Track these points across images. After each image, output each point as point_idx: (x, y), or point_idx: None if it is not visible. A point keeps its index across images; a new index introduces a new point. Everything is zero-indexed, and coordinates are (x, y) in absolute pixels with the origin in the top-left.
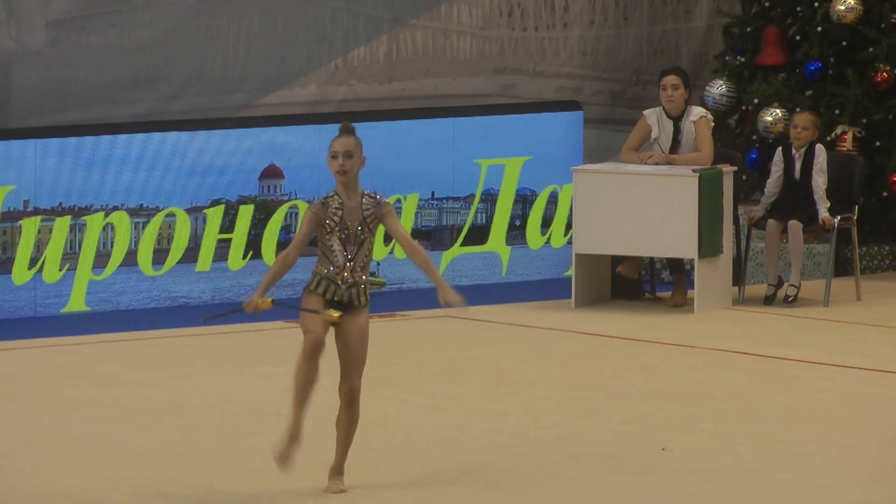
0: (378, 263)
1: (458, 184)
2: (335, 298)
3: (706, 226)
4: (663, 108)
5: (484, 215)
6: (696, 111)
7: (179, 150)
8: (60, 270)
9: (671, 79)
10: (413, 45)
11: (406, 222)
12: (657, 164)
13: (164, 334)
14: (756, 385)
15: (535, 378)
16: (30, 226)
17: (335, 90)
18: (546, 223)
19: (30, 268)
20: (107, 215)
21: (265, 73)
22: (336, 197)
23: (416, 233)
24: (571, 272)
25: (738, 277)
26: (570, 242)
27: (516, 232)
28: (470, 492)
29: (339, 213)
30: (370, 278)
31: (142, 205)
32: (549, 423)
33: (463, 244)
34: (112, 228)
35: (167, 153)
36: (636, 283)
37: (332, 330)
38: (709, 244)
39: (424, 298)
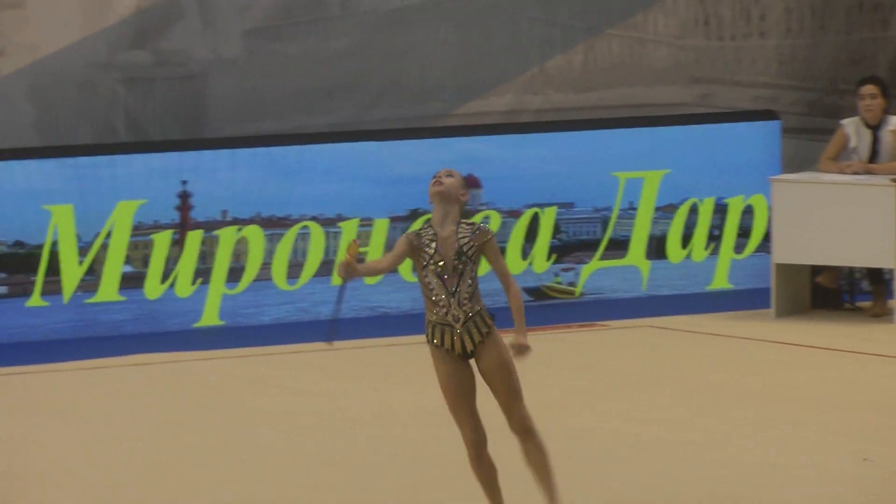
0: (557, 273)
1: (661, 193)
2: (454, 347)
3: None
4: (861, 118)
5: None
6: (895, 120)
7: (375, 159)
8: (254, 280)
9: (869, 88)
10: (609, 54)
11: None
12: (856, 173)
13: (364, 344)
14: None
15: (734, 388)
16: (227, 235)
17: (531, 99)
18: (744, 233)
19: (227, 280)
20: (301, 225)
21: (461, 83)
22: (429, 228)
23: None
24: (771, 282)
25: None
26: (767, 252)
27: (714, 241)
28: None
29: (434, 244)
30: (558, 286)
31: (339, 214)
32: (747, 433)
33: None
34: (306, 238)
35: (362, 163)
36: (835, 292)
37: (479, 378)
38: None
39: (624, 308)
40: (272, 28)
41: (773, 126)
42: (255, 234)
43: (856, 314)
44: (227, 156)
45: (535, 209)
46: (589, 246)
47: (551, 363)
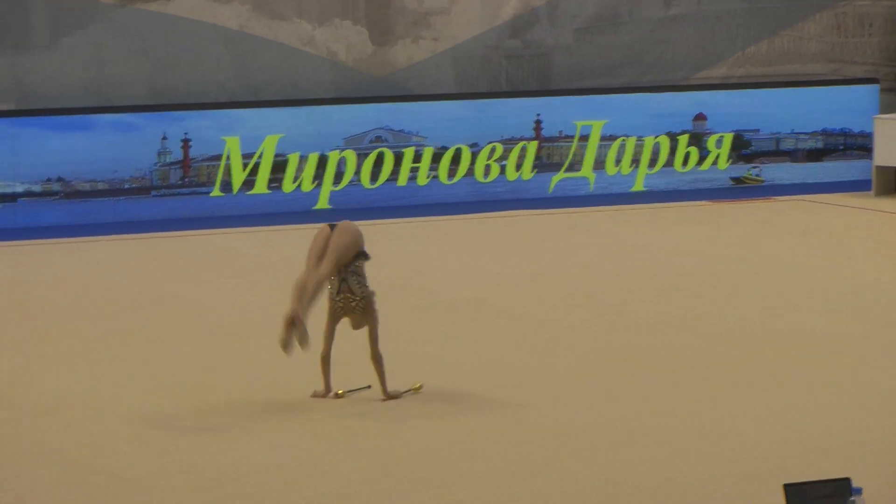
0: (749, 170)
1: (812, 124)
2: None
3: None
4: None
5: None
6: None
7: (648, 104)
8: None
9: None
10: (772, 46)
11: None
12: None
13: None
14: None
15: (861, 237)
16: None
17: (736, 70)
18: (856, 147)
19: None
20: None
21: (696, 60)
22: None
23: None
24: (872, 176)
25: None
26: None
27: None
28: None
29: None
30: (750, 177)
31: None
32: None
33: None
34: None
35: (641, 105)
36: None
37: None
38: None
39: (791, 190)
40: (591, 27)
41: (874, 89)
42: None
43: None
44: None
45: (740, 132)
46: (768, 154)
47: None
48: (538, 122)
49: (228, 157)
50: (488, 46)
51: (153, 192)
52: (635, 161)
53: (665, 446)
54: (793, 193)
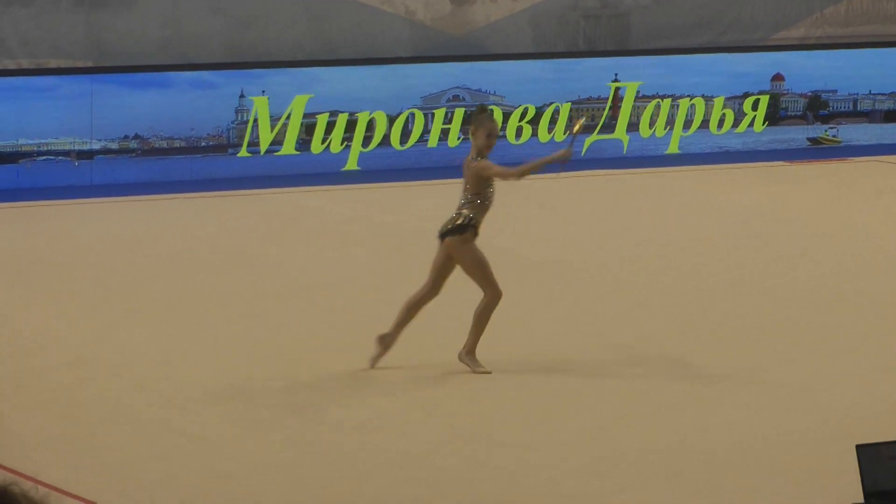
0: (826, 130)
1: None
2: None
3: None
4: None
5: None
6: None
7: (725, 63)
8: None
9: None
10: (850, 8)
11: None
12: None
13: None
14: None
15: None
16: None
17: (815, 31)
18: None
19: None
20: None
21: (773, 20)
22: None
23: None
24: None
25: None
26: None
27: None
28: None
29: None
30: (828, 137)
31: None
32: None
33: None
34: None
35: (717, 64)
36: None
37: None
38: None
39: (865, 151)
40: None
41: None
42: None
43: None
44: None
45: (817, 93)
46: (845, 114)
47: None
48: (615, 83)
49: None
50: (566, 6)
51: (230, 150)
52: (705, 122)
53: (739, 409)
54: (870, 154)
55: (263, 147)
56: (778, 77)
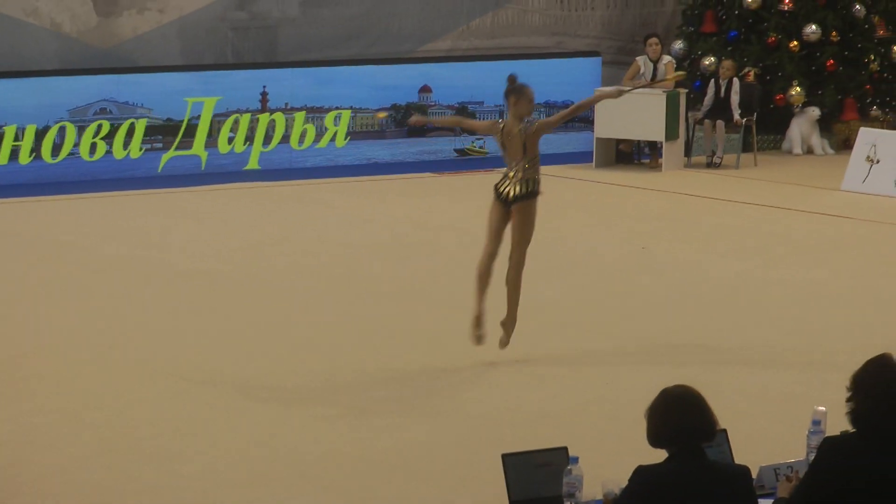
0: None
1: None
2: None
3: (670, 121)
4: (647, 56)
5: None
6: (666, 58)
7: (377, 75)
8: None
9: (653, 39)
10: (505, 17)
11: None
12: (643, 87)
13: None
14: (699, 212)
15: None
16: (279, 118)
17: (461, 43)
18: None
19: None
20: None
21: (422, 33)
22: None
23: None
24: (593, 147)
25: (688, 152)
26: (591, 131)
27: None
28: None
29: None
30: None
31: (351, 105)
32: None
33: None
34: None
35: (368, 77)
36: (630, 154)
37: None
38: (671, 132)
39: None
40: (318, 0)
41: (597, 61)
42: (300, 117)
43: (640, 166)
44: (288, 72)
45: (464, 104)
46: None
47: None
48: (264, 94)
49: None
50: (214, 18)
51: None
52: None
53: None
54: None
55: None
56: (426, 88)
